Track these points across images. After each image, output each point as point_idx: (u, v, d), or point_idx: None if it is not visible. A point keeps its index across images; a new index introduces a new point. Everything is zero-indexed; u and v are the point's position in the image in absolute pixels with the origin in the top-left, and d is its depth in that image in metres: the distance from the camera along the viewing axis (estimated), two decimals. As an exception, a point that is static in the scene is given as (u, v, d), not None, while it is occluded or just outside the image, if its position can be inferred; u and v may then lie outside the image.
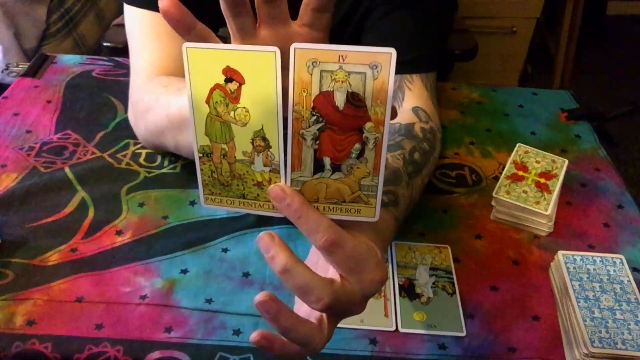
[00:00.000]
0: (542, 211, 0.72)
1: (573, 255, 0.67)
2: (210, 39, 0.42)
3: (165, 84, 0.71)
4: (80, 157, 0.81)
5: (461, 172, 0.83)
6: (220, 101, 0.41)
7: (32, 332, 0.59)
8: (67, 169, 0.79)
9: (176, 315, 0.62)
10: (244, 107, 0.41)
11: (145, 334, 0.60)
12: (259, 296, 0.41)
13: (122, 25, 0.81)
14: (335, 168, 0.42)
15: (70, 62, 1.01)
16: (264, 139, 0.42)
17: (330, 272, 0.44)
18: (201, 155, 0.44)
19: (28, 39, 1.42)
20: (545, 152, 0.81)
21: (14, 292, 0.63)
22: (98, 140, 0.84)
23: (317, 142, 0.41)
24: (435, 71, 0.80)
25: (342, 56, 0.38)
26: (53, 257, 0.67)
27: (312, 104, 0.40)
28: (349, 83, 0.39)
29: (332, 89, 0.39)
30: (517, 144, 0.82)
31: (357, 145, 0.41)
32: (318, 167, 0.42)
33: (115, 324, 0.61)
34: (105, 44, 1.19)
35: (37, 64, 0.99)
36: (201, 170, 0.45)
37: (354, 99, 0.39)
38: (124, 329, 0.60)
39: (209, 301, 0.64)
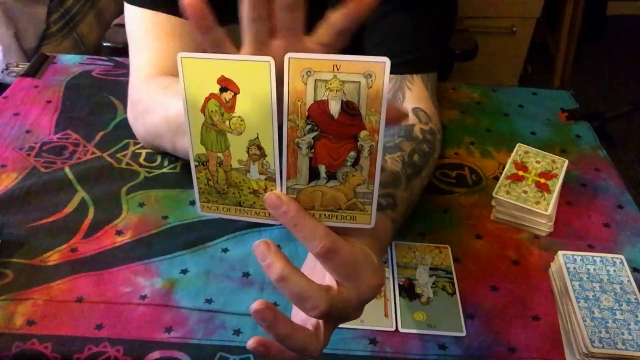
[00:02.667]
0: (542, 211, 0.72)
1: (573, 256, 0.67)
2: (223, 46, 0.42)
3: (164, 86, 0.71)
4: (80, 157, 0.81)
5: (461, 172, 0.83)
6: (216, 110, 0.41)
7: (32, 332, 0.59)
8: (67, 169, 0.79)
9: (176, 315, 0.62)
10: (239, 116, 0.41)
11: (145, 334, 0.60)
12: (255, 304, 0.41)
13: (122, 25, 0.81)
14: (331, 176, 0.42)
15: (70, 62, 1.01)
16: (260, 147, 0.42)
17: (327, 278, 0.44)
18: (197, 163, 0.44)
19: (28, 39, 1.42)
20: (545, 152, 0.81)
21: (14, 292, 0.63)
22: (98, 140, 0.84)
23: (312, 150, 0.41)
24: (436, 72, 0.80)
25: (336, 65, 0.38)
26: (53, 257, 0.67)
27: (307, 113, 0.40)
28: (343, 92, 0.39)
29: (326, 98, 0.39)
30: (517, 144, 0.82)
31: (352, 154, 0.41)
32: (313, 175, 0.42)
33: (115, 324, 0.61)
34: (105, 44, 1.19)
35: (37, 64, 0.99)
36: (197, 178, 0.45)
37: (349, 108, 0.39)
38: (124, 329, 0.60)
39: (209, 301, 0.64)
